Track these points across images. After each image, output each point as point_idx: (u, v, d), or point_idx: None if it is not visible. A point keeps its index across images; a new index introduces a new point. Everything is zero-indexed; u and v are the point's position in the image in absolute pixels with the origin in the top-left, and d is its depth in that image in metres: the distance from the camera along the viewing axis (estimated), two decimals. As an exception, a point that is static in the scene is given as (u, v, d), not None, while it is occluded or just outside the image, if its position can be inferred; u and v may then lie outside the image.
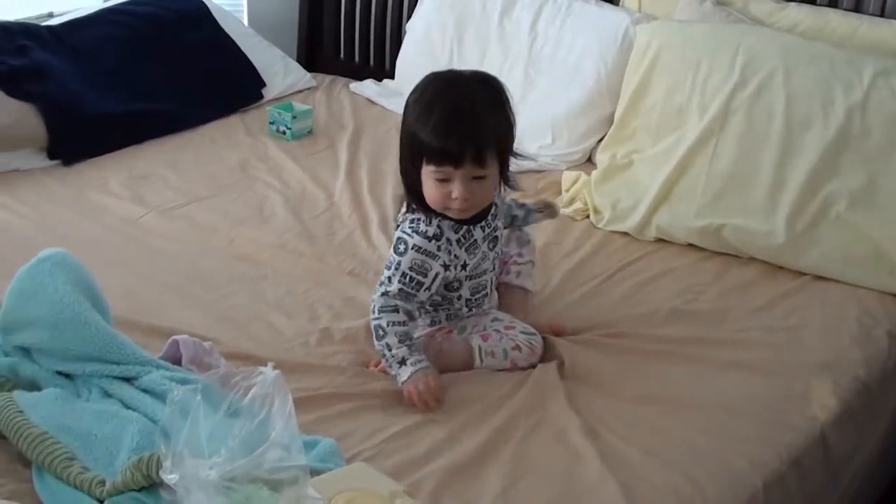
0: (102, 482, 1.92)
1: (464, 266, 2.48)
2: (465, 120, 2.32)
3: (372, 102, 4.25)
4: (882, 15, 3.37)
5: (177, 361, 2.33)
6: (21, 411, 2.09)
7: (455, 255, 2.46)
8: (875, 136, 3.01)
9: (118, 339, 2.25)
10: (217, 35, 4.25)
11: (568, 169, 3.63)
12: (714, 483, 2.22)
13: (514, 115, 2.43)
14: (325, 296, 2.83)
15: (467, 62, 3.99)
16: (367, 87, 4.35)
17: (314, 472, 1.81)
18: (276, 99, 4.20)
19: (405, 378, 2.37)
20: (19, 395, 2.15)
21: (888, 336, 2.82)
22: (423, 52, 4.17)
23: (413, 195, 2.43)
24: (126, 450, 1.99)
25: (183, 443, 1.61)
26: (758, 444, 2.35)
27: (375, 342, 2.43)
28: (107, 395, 2.19)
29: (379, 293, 2.44)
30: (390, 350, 2.39)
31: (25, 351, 2.28)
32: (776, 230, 3.06)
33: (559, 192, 3.47)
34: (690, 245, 3.20)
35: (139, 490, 1.88)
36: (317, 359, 2.55)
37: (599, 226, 3.30)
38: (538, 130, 3.73)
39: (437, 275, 2.44)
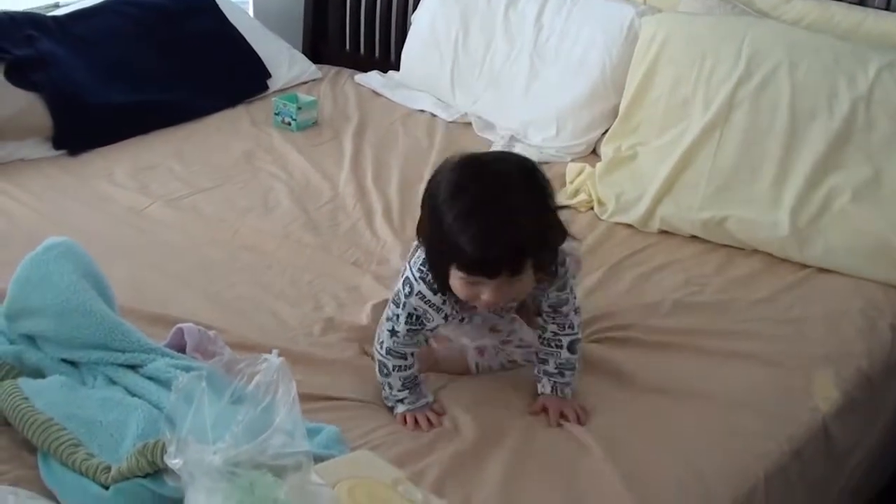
0: (108, 468, 1.93)
1: (461, 320, 2.41)
2: (503, 234, 2.08)
3: (377, 94, 4.25)
4: (887, 8, 3.36)
5: (181, 350, 2.34)
6: (26, 398, 2.10)
7: (456, 311, 2.33)
8: (880, 128, 3.01)
9: (123, 327, 2.26)
10: (223, 26, 4.26)
11: (572, 161, 3.63)
12: (716, 473, 2.22)
13: (555, 203, 2.20)
14: (329, 286, 2.83)
15: (472, 54, 4.00)
16: (373, 79, 4.35)
17: (318, 459, 1.82)
18: (282, 90, 4.20)
19: (400, 412, 2.33)
20: (24, 383, 2.16)
21: (892, 329, 2.81)
22: (428, 44, 4.17)
23: (432, 271, 2.24)
24: (131, 436, 2.01)
25: (187, 429, 1.61)
26: (760, 435, 2.36)
27: (378, 374, 2.36)
28: (112, 382, 2.21)
29: (387, 329, 2.33)
30: (391, 389, 2.34)
31: (31, 339, 2.29)
32: (780, 222, 3.06)
33: (563, 184, 3.47)
34: (694, 237, 3.20)
35: (144, 476, 1.88)
36: (320, 348, 2.55)
37: (603, 217, 3.30)
38: (543, 122, 3.74)
39: (437, 325, 2.35)
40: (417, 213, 3.23)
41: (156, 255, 2.95)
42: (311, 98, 4.02)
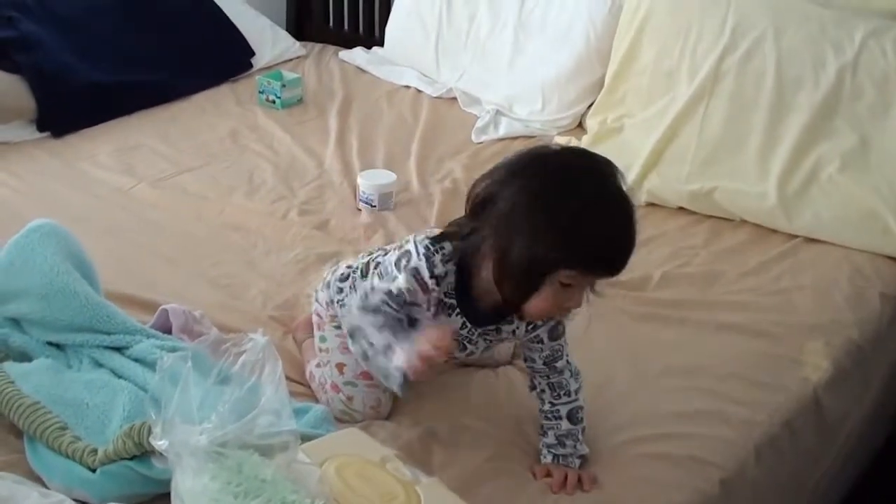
0: (94, 451, 1.92)
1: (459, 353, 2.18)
2: (631, 230, 1.97)
3: (362, 70, 4.22)
4: (871, -26, 3.35)
5: (167, 331, 2.33)
6: (12, 382, 2.09)
7: (443, 308, 2.08)
8: (866, 96, 3.01)
9: (108, 308, 2.25)
10: (206, 4, 4.22)
11: (558, 134, 3.62)
12: (705, 445, 2.22)
13: None
14: (316, 263, 2.82)
15: (456, 27, 3.98)
16: (357, 56, 4.32)
17: (306, 438, 1.81)
18: (266, 68, 4.17)
19: (402, 358, 1.99)
20: (10, 366, 2.15)
21: (881, 297, 2.81)
22: (412, 19, 4.13)
23: (518, 278, 1.94)
24: (117, 419, 2.00)
25: (173, 410, 1.60)
26: (750, 406, 2.35)
27: (351, 346, 2.17)
28: (98, 364, 2.19)
29: (359, 296, 2.10)
30: (372, 345, 2.06)
31: (16, 322, 2.27)
32: (768, 192, 3.05)
33: (550, 158, 3.45)
34: (681, 209, 3.19)
35: (131, 458, 1.88)
36: (308, 327, 2.54)
37: (590, 191, 3.29)
38: (528, 96, 3.72)
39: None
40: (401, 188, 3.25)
41: (141, 235, 2.93)
42: (296, 76, 3.99)
